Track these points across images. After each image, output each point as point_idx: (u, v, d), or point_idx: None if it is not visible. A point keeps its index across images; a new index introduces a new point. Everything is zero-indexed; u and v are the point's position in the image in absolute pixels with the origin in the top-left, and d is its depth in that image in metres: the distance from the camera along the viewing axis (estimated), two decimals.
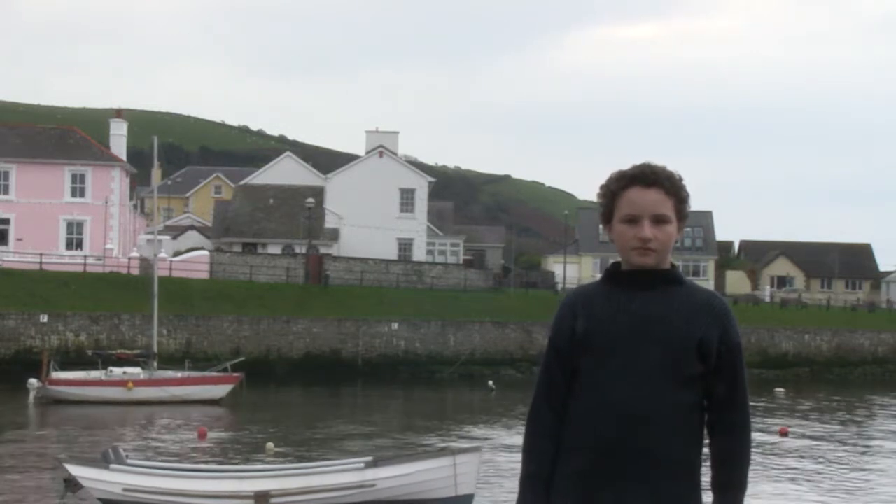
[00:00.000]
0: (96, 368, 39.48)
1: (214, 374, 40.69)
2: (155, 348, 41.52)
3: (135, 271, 57.87)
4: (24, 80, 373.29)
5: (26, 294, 50.19)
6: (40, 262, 56.74)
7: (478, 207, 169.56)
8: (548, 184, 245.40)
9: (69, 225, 64.72)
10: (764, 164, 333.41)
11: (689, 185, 3.61)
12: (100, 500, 18.14)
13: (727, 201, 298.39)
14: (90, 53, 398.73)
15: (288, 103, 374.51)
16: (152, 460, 22.09)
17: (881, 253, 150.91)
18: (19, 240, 63.16)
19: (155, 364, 40.30)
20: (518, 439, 12.78)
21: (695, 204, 3.73)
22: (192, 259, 62.56)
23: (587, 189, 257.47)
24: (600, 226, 19.18)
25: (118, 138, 68.24)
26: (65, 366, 40.35)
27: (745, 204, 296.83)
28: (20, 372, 41.36)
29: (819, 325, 65.47)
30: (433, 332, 55.30)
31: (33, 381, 38.30)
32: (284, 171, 76.94)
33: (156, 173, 49.70)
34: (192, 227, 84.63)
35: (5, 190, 64.37)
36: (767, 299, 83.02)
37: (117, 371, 39.20)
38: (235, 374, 40.34)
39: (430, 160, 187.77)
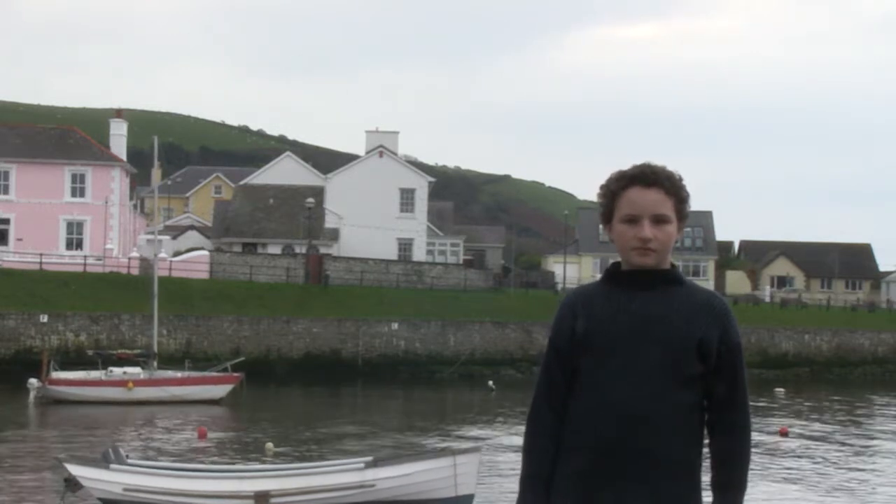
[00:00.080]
0: (96, 368, 39.48)
1: (214, 374, 40.70)
2: (155, 348, 41.53)
3: (135, 271, 57.88)
4: (24, 80, 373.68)
5: (26, 294, 50.20)
6: (40, 262, 56.75)
7: (478, 207, 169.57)
8: (548, 184, 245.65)
9: (69, 225, 64.73)
10: (764, 164, 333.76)
11: (689, 185, 3.61)
12: (100, 499, 18.15)
13: (727, 201, 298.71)
14: (90, 53, 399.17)
15: (288, 103, 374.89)
16: (152, 460, 22.10)
17: (881, 253, 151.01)
18: (19, 240, 63.17)
19: (155, 364, 40.31)
20: (518, 439, 12.78)
21: (695, 204, 3.73)
22: (192, 259, 62.56)
23: (587, 189, 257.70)
24: (600, 226, 19.18)
25: (118, 138, 68.25)
26: (65, 366, 40.36)
27: (745, 204, 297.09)
28: (20, 372, 41.37)
29: (819, 325, 65.47)
30: (433, 332, 55.31)
31: (33, 381, 38.31)
32: (284, 171, 76.95)
33: (156, 173, 49.67)
34: (192, 227, 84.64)
35: (5, 190, 64.38)
36: (767, 299, 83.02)
37: (117, 371, 39.21)
38: (235, 374, 40.35)
39: (430, 160, 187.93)
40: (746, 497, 3.59)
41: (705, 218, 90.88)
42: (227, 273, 61.83)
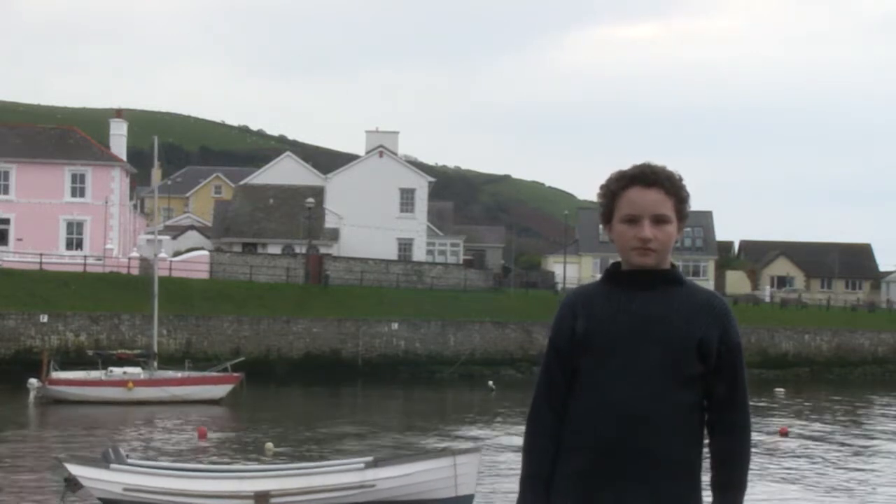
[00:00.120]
0: (96, 368, 39.49)
1: (214, 374, 40.70)
2: (155, 348, 41.53)
3: (135, 271, 57.88)
4: (24, 80, 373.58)
5: (26, 294, 50.21)
6: (40, 262, 56.76)
7: (478, 207, 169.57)
8: (548, 184, 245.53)
9: (69, 225, 64.73)
10: (764, 164, 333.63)
11: (689, 185, 3.61)
12: (100, 499, 18.15)
13: (727, 201, 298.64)
14: (90, 53, 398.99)
15: (288, 103, 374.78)
16: (152, 460, 22.10)
17: (881, 253, 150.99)
18: (19, 240, 63.18)
19: (155, 364, 40.32)
20: (518, 439, 12.79)
21: (695, 204, 3.73)
22: (192, 259, 62.57)
23: (587, 189, 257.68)
24: (600, 226, 19.19)
25: (118, 138, 68.26)
26: (65, 366, 40.36)
27: (745, 204, 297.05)
28: (20, 372, 41.37)
29: (819, 325, 65.48)
30: (433, 332, 55.31)
31: (33, 381, 38.31)
32: (284, 171, 76.95)
33: (156, 173, 49.68)
34: (192, 227, 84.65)
35: (5, 190, 64.39)
36: (767, 299, 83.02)
37: (117, 371, 39.21)
38: (235, 374, 40.35)
39: (430, 160, 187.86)
40: (746, 497, 3.59)
41: (705, 218, 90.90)
42: (227, 273, 61.84)
